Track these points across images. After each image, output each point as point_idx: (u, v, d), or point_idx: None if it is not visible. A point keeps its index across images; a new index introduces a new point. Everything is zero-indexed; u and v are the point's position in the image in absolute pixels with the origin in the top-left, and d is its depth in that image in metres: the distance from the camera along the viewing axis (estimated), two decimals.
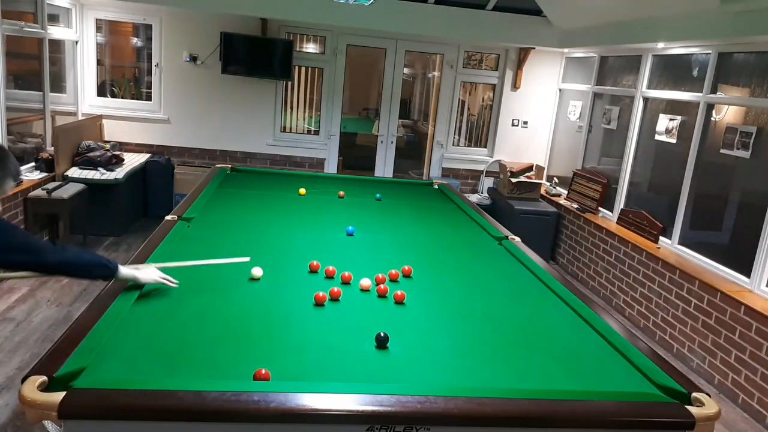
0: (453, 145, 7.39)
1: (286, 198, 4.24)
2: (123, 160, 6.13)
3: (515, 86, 7.15)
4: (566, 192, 6.51)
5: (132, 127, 6.73)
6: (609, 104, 6.02)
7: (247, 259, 2.63)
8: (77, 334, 1.89)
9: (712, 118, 4.58)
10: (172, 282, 2.33)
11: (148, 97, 6.80)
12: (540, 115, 7.25)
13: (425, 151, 7.84)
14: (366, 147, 8.48)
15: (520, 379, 1.94)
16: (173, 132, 6.80)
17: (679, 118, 4.91)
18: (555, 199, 6.56)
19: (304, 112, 7.32)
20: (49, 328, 3.92)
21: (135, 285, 2.29)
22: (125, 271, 2.22)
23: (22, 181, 2.30)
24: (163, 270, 2.38)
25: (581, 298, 2.68)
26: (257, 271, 2.59)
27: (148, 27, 6.61)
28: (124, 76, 6.95)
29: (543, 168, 7.28)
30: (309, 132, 7.30)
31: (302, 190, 4.41)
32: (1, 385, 3.25)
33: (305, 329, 2.16)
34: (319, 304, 2.37)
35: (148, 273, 2.29)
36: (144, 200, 6.62)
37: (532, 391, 1.83)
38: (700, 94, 4.64)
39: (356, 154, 8.84)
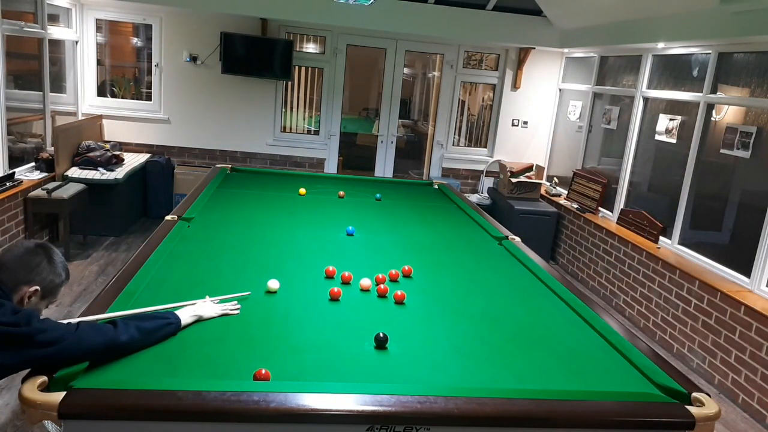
0: (453, 145, 7.39)
1: (286, 198, 4.24)
2: (123, 160, 6.13)
3: (515, 86, 7.14)
4: (566, 192, 6.51)
5: (132, 127, 6.73)
6: (609, 104, 6.01)
7: (247, 293, 2.41)
8: None
9: (712, 118, 4.58)
10: (234, 310, 2.25)
11: (148, 97, 6.80)
12: (540, 115, 7.25)
13: (425, 151, 7.84)
14: (366, 147, 8.49)
15: (520, 379, 1.94)
16: (173, 132, 6.80)
17: (679, 118, 4.91)
18: (555, 199, 6.56)
19: (304, 112, 7.32)
20: None
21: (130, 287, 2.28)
22: (187, 318, 2.09)
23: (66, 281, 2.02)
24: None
25: (581, 298, 2.68)
26: (273, 284, 2.47)
27: (148, 27, 6.61)
28: (124, 76, 6.95)
29: (543, 168, 7.28)
30: (309, 132, 7.30)
31: (302, 190, 4.41)
32: (1, 385, 3.25)
33: (305, 329, 2.16)
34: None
35: (207, 309, 2.19)
36: (144, 200, 6.62)
37: (532, 391, 1.83)
38: (700, 94, 4.64)
39: (356, 154, 8.85)
